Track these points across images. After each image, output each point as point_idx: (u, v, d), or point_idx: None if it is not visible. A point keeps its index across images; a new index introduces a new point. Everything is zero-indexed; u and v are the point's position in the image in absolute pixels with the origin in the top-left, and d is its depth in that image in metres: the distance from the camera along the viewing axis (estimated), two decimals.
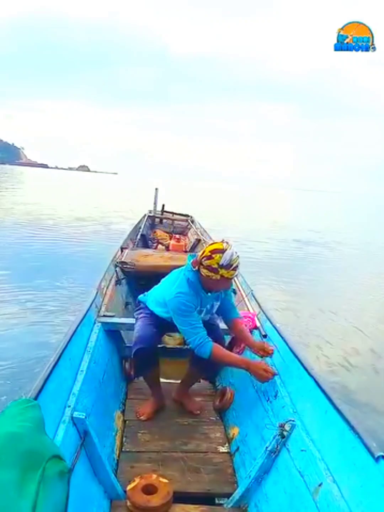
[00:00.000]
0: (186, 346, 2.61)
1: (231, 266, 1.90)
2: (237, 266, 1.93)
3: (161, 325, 2.26)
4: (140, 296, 2.44)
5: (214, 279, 1.96)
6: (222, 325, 2.48)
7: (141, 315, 2.30)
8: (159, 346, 2.50)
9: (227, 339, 2.57)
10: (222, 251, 1.91)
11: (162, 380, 2.53)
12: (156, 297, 2.26)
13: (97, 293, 2.65)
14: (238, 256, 1.94)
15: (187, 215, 8.33)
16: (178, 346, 2.78)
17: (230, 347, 2.62)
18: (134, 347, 2.12)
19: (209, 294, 2.11)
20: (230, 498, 1.76)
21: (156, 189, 8.20)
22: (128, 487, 1.68)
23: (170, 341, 3.00)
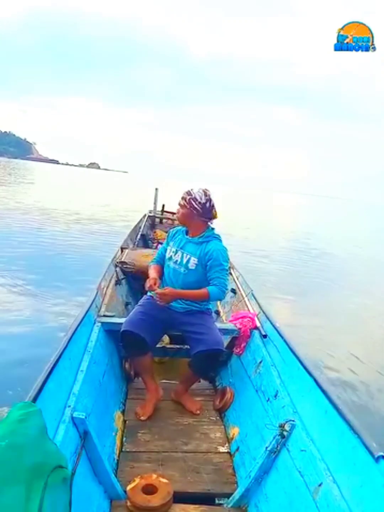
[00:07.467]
0: (185, 346, 2.61)
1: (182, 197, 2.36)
2: (183, 198, 2.33)
3: (160, 318, 2.31)
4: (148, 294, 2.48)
5: None
6: (221, 325, 2.49)
7: (139, 303, 2.42)
8: (158, 346, 2.50)
9: (227, 339, 2.57)
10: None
11: (162, 380, 2.52)
12: None
13: (97, 293, 2.65)
14: (189, 196, 2.29)
15: None
16: (177, 346, 2.77)
17: (230, 347, 2.63)
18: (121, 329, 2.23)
19: (188, 237, 2.41)
20: (230, 498, 1.76)
21: (156, 189, 8.21)
22: (128, 487, 1.68)
23: (165, 339, 2.99)
